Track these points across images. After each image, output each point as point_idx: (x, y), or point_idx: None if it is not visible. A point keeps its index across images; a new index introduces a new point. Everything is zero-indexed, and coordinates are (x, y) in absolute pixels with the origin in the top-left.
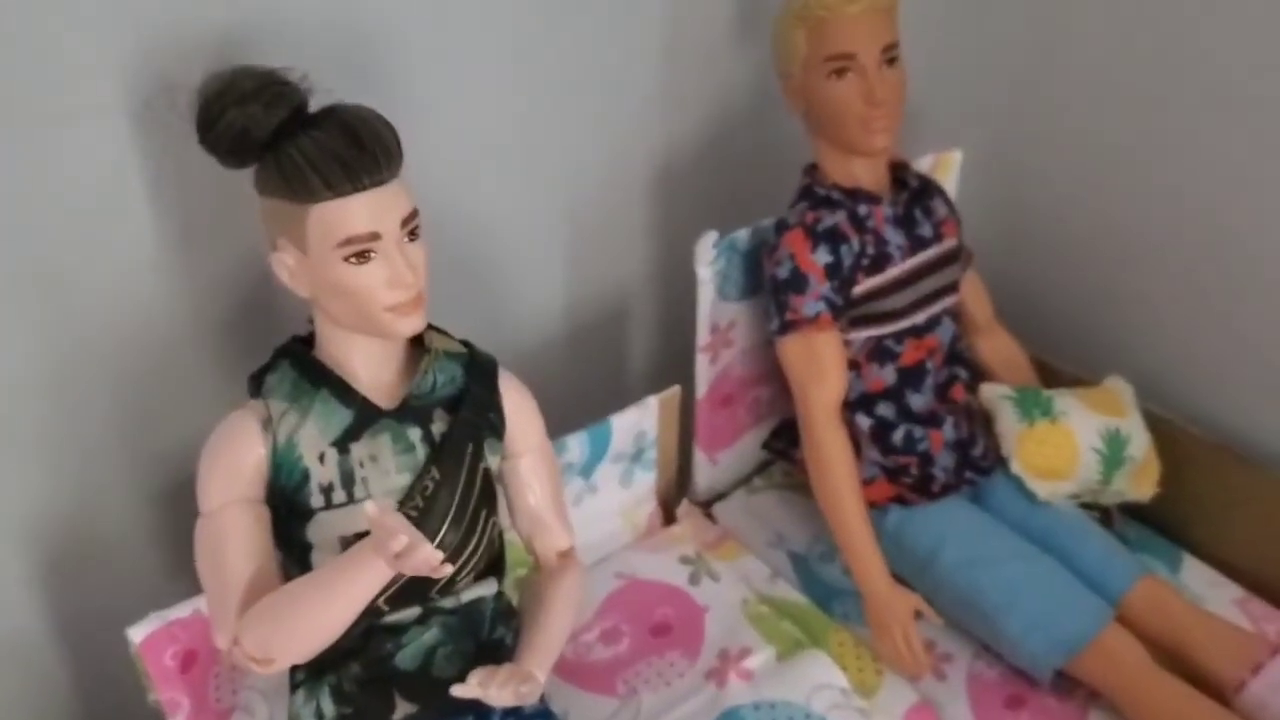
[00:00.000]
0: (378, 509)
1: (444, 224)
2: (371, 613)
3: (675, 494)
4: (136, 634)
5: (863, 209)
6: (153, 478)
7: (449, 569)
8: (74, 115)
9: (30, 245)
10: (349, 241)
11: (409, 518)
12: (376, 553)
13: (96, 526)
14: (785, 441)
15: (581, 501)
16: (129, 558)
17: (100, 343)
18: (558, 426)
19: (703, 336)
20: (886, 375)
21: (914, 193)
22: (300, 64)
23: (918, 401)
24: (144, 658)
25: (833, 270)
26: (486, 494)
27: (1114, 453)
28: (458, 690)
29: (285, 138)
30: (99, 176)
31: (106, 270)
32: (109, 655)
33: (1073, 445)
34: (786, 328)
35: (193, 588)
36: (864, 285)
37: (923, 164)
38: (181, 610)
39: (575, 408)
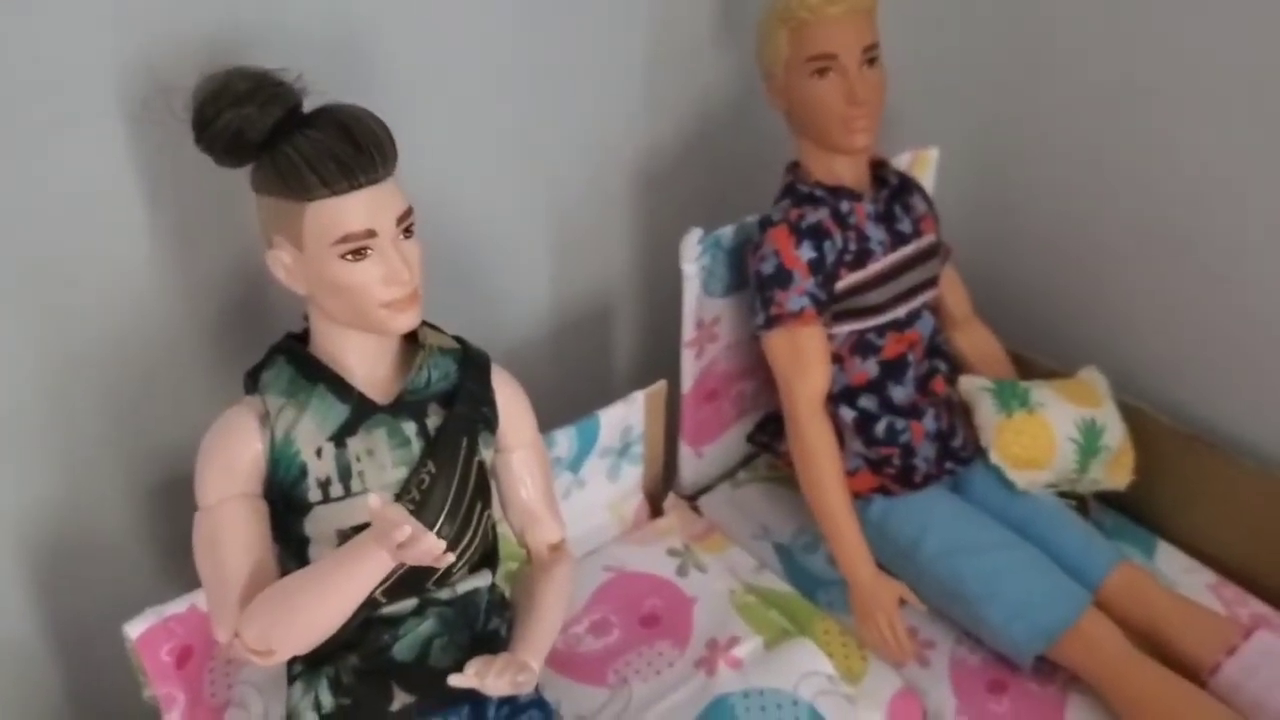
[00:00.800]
0: (379, 501)
1: (431, 223)
2: (369, 604)
3: (661, 487)
4: (133, 629)
5: (845, 206)
6: (147, 475)
7: (451, 558)
8: (70, 116)
9: (25, 246)
10: (345, 239)
11: (406, 510)
12: (379, 544)
13: (90, 525)
14: (769, 434)
15: (570, 495)
16: (122, 556)
17: (95, 341)
18: (544, 422)
19: (688, 332)
20: (869, 368)
21: (894, 190)
22: (292, 65)
23: (899, 394)
24: (140, 653)
25: (816, 266)
26: (481, 487)
27: (1090, 442)
28: (455, 680)
29: (281, 137)
30: (95, 177)
31: (102, 269)
32: (102, 654)
33: (1050, 435)
34: (771, 323)
35: (187, 585)
36: (847, 280)
37: (900, 161)
38: (177, 606)
39: (562, 404)
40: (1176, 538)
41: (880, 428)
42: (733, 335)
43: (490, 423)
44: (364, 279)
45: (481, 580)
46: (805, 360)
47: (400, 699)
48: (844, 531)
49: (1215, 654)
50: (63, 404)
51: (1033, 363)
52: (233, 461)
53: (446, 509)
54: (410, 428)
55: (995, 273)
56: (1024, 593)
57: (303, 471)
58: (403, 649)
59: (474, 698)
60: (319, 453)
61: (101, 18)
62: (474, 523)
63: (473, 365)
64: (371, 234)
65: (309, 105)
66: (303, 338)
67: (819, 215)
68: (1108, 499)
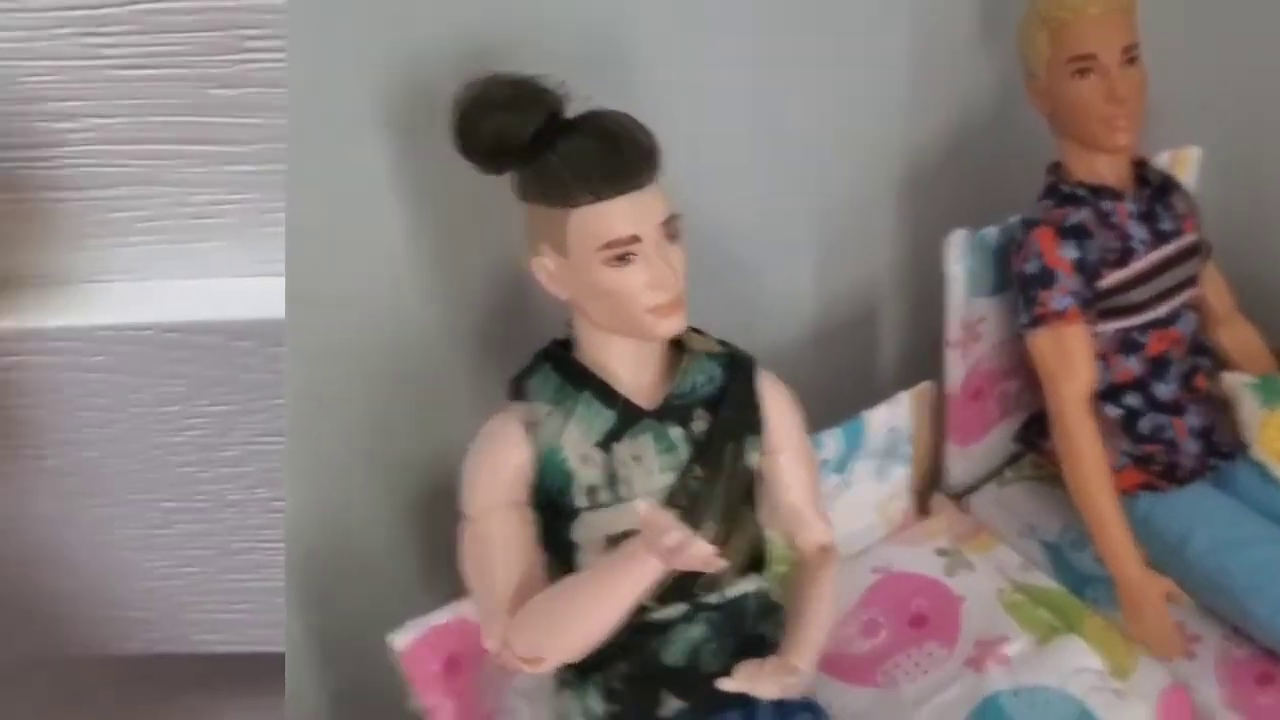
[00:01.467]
0: (648, 508)
1: (694, 227)
2: (638, 610)
3: (928, 487)
4: (399, 641)
5: (1106, 205)
6: (406, 487)
7: (723, 563)
8: (335, 126)
9: (297, 256)
10: (609, 245)
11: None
12: (649, 550)
13: (347, 537)
14: (1034, 433)
15: (837, 497)
16: (381, 569)
17: (352, 352)
18: (809, 424)
19: (954, 332)
20: (1133, 366)
21: (1156, 189)
22: (551, 70)
23: (1163, 391)
24: (406, 664)
25: (1079, 265)
26: (748, 491)
27: None
28: (725, 684)
29: (543, 144)
30: (356, 187)
31: (360, 279)
32: (361, 669)
33: None
34: (1036, 322)
35: (448, 595)
36: (1109, 279)
37: (1160, 161)
38: (442, 616)
39: (826, 405)
40: None
41: (1145, 425)
42: (997, 335)
43: (756, 426)
44: (629, 284)
45: (750, 584)
46: (1070, 359)
47: (671, 704)
48: (1111, 529)
49: None
50: (316, 415)
51: None
52: (499, 470)
53: (715, 513)
54: (677, 433)
55: (1255, 269)
56: None
57: (569, 478)
58: (673, 655)
59: (744, 701)
60: (585, 459)
61: (362, 27)
62: (742, 526)
63: (738, 369)
64: (635, 239)
65: (570, 111)
66: (566, 344)
67: (1081, 215)
68: None
